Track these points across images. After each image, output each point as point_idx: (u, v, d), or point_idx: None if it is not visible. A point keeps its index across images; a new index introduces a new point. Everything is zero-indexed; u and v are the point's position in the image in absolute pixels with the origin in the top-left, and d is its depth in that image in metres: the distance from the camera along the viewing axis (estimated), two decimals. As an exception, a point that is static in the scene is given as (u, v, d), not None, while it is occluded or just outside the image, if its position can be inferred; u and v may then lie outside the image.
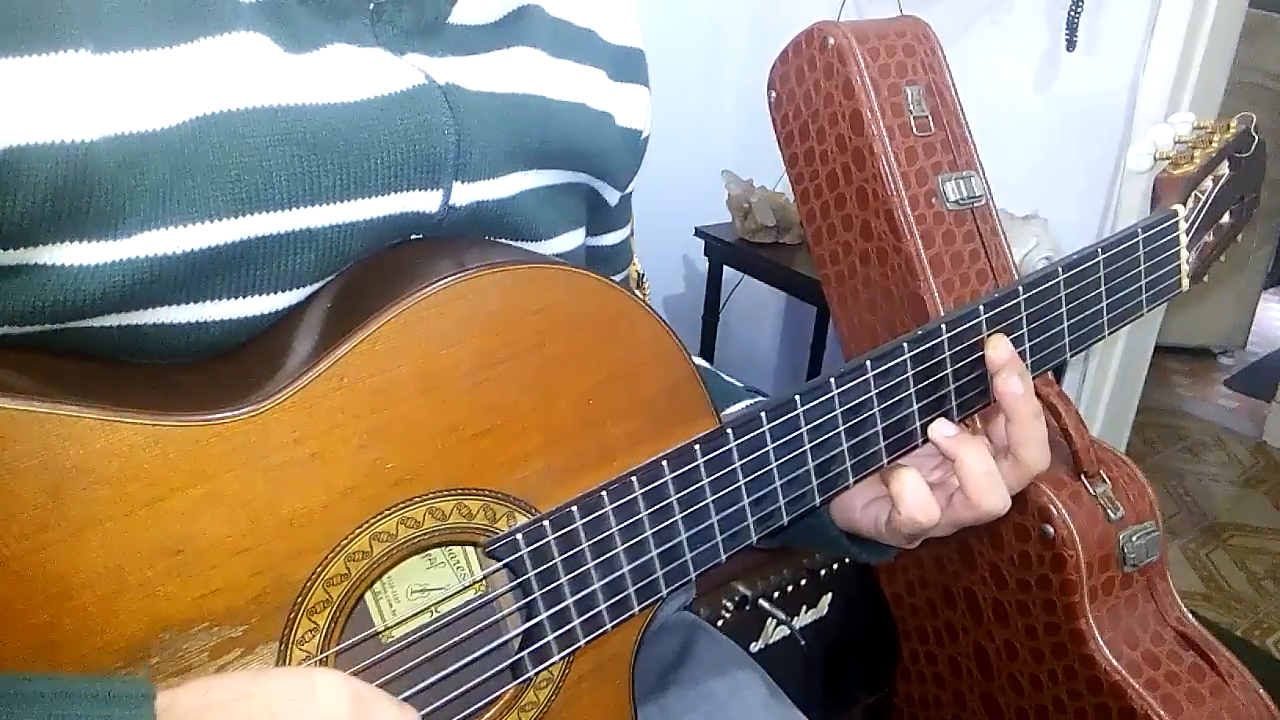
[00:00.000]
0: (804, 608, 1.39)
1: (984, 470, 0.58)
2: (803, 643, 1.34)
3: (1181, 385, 3.09)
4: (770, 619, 1.33)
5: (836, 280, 1.31)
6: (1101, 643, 1.11)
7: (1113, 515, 1.13)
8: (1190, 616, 1.18)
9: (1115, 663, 1.10)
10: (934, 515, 0.57)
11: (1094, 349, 1.94)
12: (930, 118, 1.23)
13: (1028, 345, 0.63)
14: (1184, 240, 0.69)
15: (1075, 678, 1.13)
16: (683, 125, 1.98)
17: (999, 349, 0.59)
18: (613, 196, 0.66)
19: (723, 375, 0.71)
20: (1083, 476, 1.15)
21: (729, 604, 1.28)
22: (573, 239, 0.62)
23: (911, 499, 0.57)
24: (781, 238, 1.99)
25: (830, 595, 1.41)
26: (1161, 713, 1.06)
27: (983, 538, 1.20)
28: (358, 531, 0.44)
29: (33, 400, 0.38)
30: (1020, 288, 0.61)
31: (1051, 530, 1.11)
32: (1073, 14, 1.63)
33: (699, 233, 2.06)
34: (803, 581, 1.34)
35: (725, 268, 2.08)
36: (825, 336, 2.10)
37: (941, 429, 0.60)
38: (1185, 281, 0.71)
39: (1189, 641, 1.15)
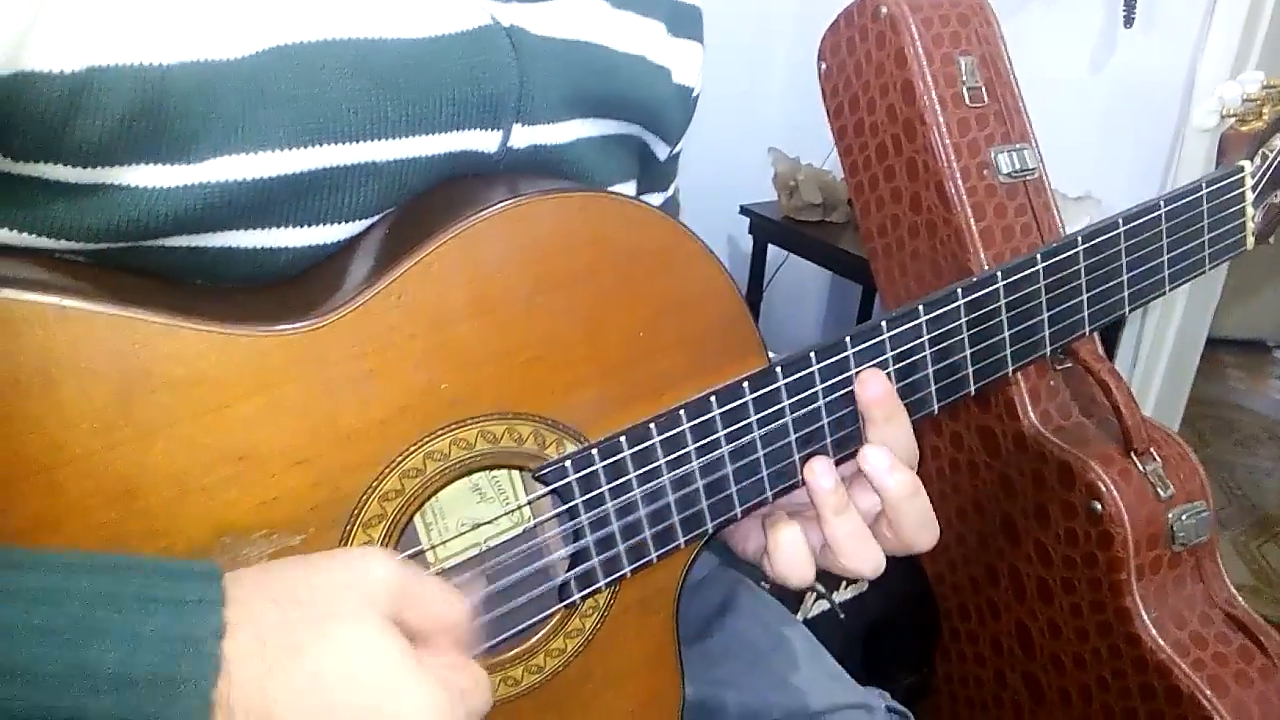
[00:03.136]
0: (844, 583, 1.38)
1: (850, 531, 0.53)
2: (842, 617, 1.33)
3: (1235, 378, 3.01)
4: (810, 592, 1.33)
5: (884, 253, 1.29)
6: (1148, 621, 1.09)
7: (1162, 493, 1.11)
8: (1240, 599, 1.15)
9: (1161, 641, 1.08)
10: (808, 578, 0.54)
11: (1145, 338, 1.90)
12: (984, 89, 1.21)
13: (1085, 297, 0.62)
14: (1250, 196, 0.68)
15: (1120, 656, 1.12)
16: (729, 102, 1.97)
17: (869, 386, 0.54)
18: (662, 152, 0.66)
19: None
20: (1132, 454, 1.13)
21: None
22: (626, 191, 0.62)
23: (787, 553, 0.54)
24: (828, 216, 1.97)
25: (870, 571, 1.40)
26: (1208, 692, 1.04)
27: (1028, 514, 1.19)
28: (412, 449, 0.45)
29: (105, 303, 0.39)
30: (1080, 238, 0.60)
31: (1100, 506, 1.09)
32: (1132, -11, 1.60)
33: (744, 210, 2.05)
34: (843, 556, 1.34)
35: (770, 246, 2.07)
36: (871, 316, 2.08)
37: (818, 468, 0.54)
38: (1250, 240, 0.69)
39: (1238, 623, 1.13)
